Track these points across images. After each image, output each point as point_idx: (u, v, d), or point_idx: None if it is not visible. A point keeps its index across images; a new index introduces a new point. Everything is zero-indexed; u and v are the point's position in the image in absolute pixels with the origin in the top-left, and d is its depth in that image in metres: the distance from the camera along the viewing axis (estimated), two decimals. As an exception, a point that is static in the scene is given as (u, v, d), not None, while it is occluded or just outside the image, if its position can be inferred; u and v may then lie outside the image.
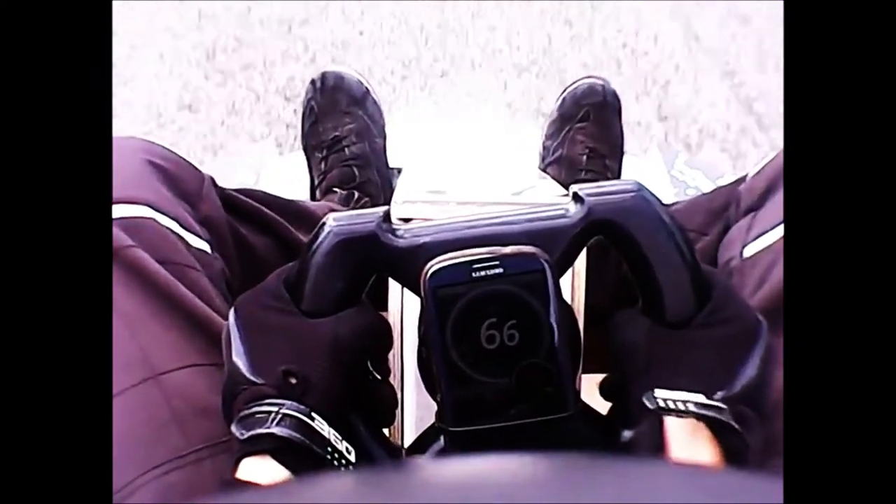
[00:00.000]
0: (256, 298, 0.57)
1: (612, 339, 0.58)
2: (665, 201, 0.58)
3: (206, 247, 0.74)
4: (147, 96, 2.15)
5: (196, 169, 0.80)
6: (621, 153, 1.34)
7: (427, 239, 0.56)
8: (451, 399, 0.55)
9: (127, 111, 2.09)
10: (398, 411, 0.73)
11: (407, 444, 0.66)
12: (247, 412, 0.53)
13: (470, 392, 0.54)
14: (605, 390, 0.61)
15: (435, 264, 0.54)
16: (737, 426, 0.51)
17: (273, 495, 0.39)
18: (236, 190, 0.87)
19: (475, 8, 2.51)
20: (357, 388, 0.57)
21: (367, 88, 1.32)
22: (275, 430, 0.51)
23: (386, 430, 0.67)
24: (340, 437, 0.54)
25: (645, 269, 0.56)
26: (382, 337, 0.59)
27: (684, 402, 0.52)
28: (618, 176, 1.32)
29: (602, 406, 0.61)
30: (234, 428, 0.53)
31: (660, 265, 0.56)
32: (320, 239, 0.56)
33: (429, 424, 0.61)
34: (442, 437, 0.58)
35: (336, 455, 0.53)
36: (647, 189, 0.57)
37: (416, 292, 0.55)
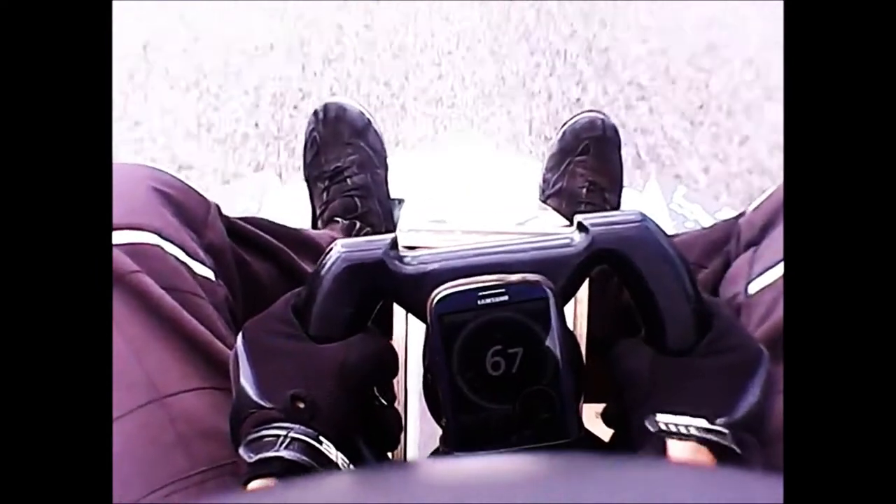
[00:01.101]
0: (264, 323, 0.58)
1: (615, 367, 0.59)
2: (664, 233, 0.59)
3: (210, 274, 0.75)
4: (151, 125, 2.16)
5: (202, 196, 0.80)
6: (620, 186, 1.35)
7: (434, 266, 0.57)
8: (455, 424, 0.55)
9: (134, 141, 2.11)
10: (401, 436, 0.73)
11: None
12: (255, 436, 0.53)
13: (474, 417, 0.55)
14: (607, 418, 0.61)
15: (441, 291, 0.55)
16: (738, 450, 0.51)
17: (273, 496, 0.39)
18: (241, 218, 0.88)
19: (476, 34, 2.53)
20: (363, 413, 0.57)
21: (368, 120, 1.34)
22: (283, 453, 0.51)
23: (390, 455, 0.68)
24: (348, 462, 0.54)
25: (647, 298, 0.57)
26: (389, 363, 0.60)
27: (686, 426, 0.52)
28: (617, 209, 1.34)
29: (604, 433, 0.62)
30: (242, 451, 0.53)
31: (662, 294, 0.56)
32: (328, 264, 0.57)
33: (432, 450, 0.62)
34: None
35: None
36: (650, 220, 0.57)
37: (423, 319, 0.56)
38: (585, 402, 0.68)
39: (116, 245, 0.66)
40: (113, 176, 0.73)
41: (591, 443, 0.60)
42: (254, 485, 0.52)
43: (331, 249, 0.58)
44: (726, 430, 0.52)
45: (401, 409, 0.73)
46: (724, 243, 0.91)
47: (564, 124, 1.38)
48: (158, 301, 0.66)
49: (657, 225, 0.57)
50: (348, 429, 0.56)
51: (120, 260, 0.66)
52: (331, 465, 0.52)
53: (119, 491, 0.60)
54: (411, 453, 0.76)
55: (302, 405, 0.54)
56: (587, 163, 1.33)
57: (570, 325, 0.77)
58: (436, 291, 0.55)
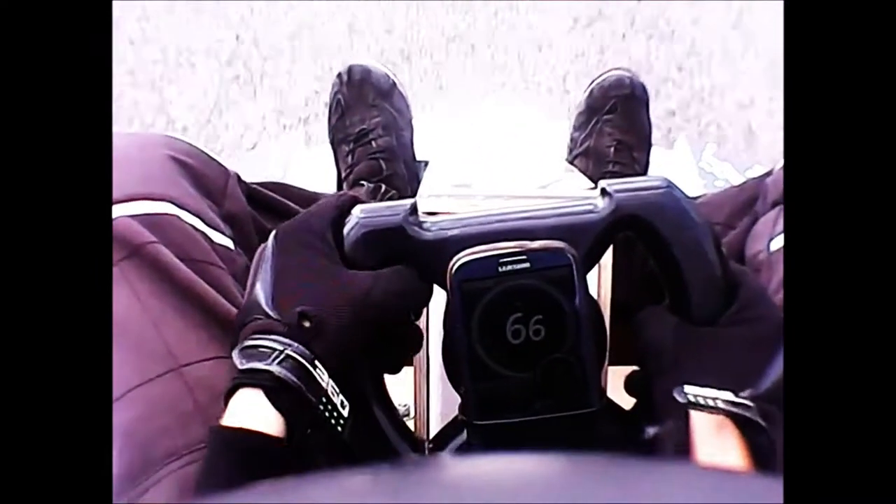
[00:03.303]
0: (300, 235, 0.58)
1: (638, 336, 0.58)
2: (693, 193, 0.58)
3: (229, 243, 0.75)
4: (177, 93, 2.16)
5: (220, 165, 0.80)
6: (649, 145, 1.33)
7: (454, 232, 0.56)
8: (474, 392, 0.55)
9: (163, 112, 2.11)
10: (423, 406, 0.73)
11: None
12: (251, 343, 0.53)
13: (494, 386, 0.54)
14: (629, 386, 0.61)
15: (462, 258, 0.54)
16: (763, 424, 0.51)
17: (287, 493, 0.39)
18: (261, 184, 0.87)
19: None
20: (373, 345, 0.57)
21: (393, 81, 1.33)
22: (273, 368, 0.52)
23: (410, 424, 0.67)
24: (338, 391, 0.54)
25: (672, 266, 0.56)
26: (416, 302, 0.59)
27: (714, 398, 0.51)
28: (645, 168, 1.32)
29: (627, 401, 0.61)
30: (235, 355, 0.53)
31: (687, 262, 0.55)
32: (347, 230, 0.56)
33: (451, 418, 0.61)
34: (465, 431, 0.58)
35: (329, 407, 0.53)
36: (675, 186, 0.56)
37: (442, 285, 0.56)
38: (610, 364, 0.68)
39: (133, 216, 0.66)
40: (129, 145, 0.72)
41: (612, 412, 0.59)
42: (239, 394, 0.53)
43: (350, 214, 0.57)
44: (751, 403, 0.51)
45: (422, 377, 0.73)
46: (752, 203, 0.90)
47: (592, 82, 1.36)
48: (175, 272, 0.66)
49: (682, 191, 0.56)
50: (350, 358, 0.55)
51: (136, 230, 0.65)
52: (319, 391, 0.52)
53: (139, 458, 0.61)
54: (432, 423, 0.75)
55: (308, 324, 0.53)
56: (615, 121, 1.31)
57: (593, 291, 0.76)
58: (456, 258, 0.54)
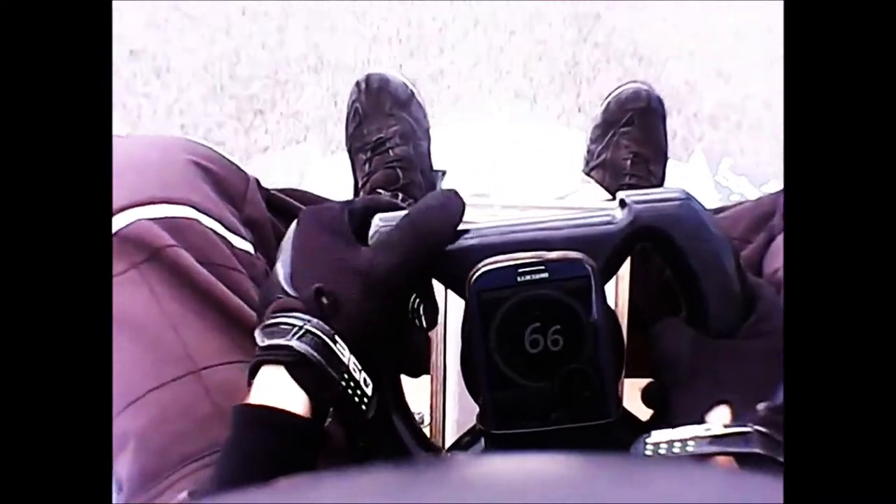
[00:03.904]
0: (321, 216, 0.58)
1: (654, 347, 0.58)
2: (709, 207, 0.58)
3: (249, 248, 0.75)
4: (197, 99, 2.17)
5: (241, 170, 0.80)
6: (665, 158, 1.34)
7: (473, 242, 0.56)
8: (492, 402, 0.55)
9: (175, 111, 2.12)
10: (439, 414, 0.73)
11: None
12: (273, 321, 0.53)
13: (511, 395, 0.55)
14: (646, 398, 0.61)
15: (481, 267, 0.54)
16: (761, 451, 0.49)
17: (294, 492, 0.39)
18: (280, 190, 0.88)
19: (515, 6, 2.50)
20: (391, 328, 0.57)
21: (411, 91, 1.33)
22: (294, 343, 0.52)
23: (427, 431, 0.67)
24: (360, 368, 0.54)
25: (690, 278, 0.56)
26: (418, 268, 0.57)
27: (682, 441, 0.50)
28: (661, 181, 1.32)
29: (644, 412, 0.61)
30: (257, 334, 0.54)
31: (705, 275, 0.55)
32: (369, 236, 0.57)
33: (468, 428, 0.61)
34: (482, 439, 0.58)
35: (352, 384, 0.53)
36: (694, 198, 0.56)
37: (461, 295, 0.56)
38: (627, 377, 0.68)
39: (153, 219, 0.66)
40: (150, 149, 0.73)
41: (629, 423, 0.59)
42: (262, 373, 0.53)
43: (370, 223, 0.57)
44: (748, 429, 0.49)
45: (438, 385, 0.73)
46: (769, 218, 0.89)
47: (609, 95, 1.36)
48: (195, 275, 0.66)
49: (701, 204, 0.56)
50: (369, 337, 0.55)
51: (156, 233, 0.66)
52: (340, 367, 0.52)
53: (152, 462, 0.62)
54: (448, 431, 0.75)
55: (325, 301, 0.53)
56: (631, 134, 1.31)
57: (610, 302, 0.76)
58: (475, 268, 0.55)
